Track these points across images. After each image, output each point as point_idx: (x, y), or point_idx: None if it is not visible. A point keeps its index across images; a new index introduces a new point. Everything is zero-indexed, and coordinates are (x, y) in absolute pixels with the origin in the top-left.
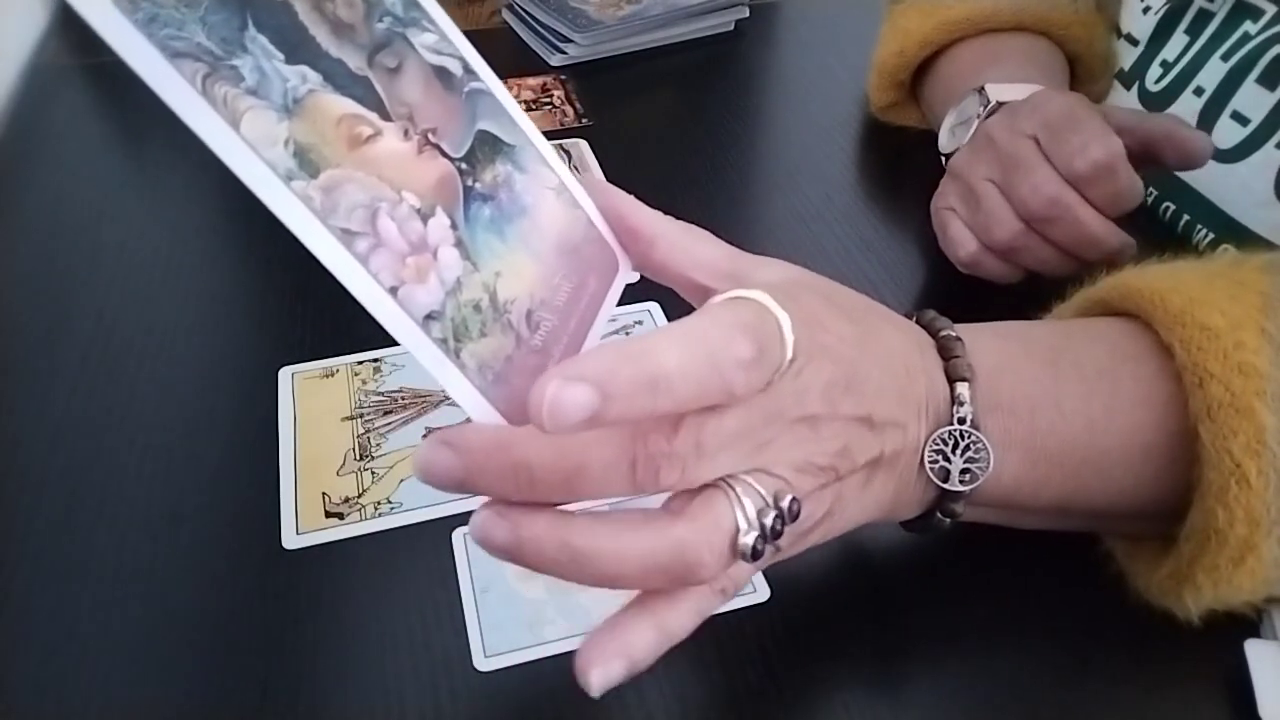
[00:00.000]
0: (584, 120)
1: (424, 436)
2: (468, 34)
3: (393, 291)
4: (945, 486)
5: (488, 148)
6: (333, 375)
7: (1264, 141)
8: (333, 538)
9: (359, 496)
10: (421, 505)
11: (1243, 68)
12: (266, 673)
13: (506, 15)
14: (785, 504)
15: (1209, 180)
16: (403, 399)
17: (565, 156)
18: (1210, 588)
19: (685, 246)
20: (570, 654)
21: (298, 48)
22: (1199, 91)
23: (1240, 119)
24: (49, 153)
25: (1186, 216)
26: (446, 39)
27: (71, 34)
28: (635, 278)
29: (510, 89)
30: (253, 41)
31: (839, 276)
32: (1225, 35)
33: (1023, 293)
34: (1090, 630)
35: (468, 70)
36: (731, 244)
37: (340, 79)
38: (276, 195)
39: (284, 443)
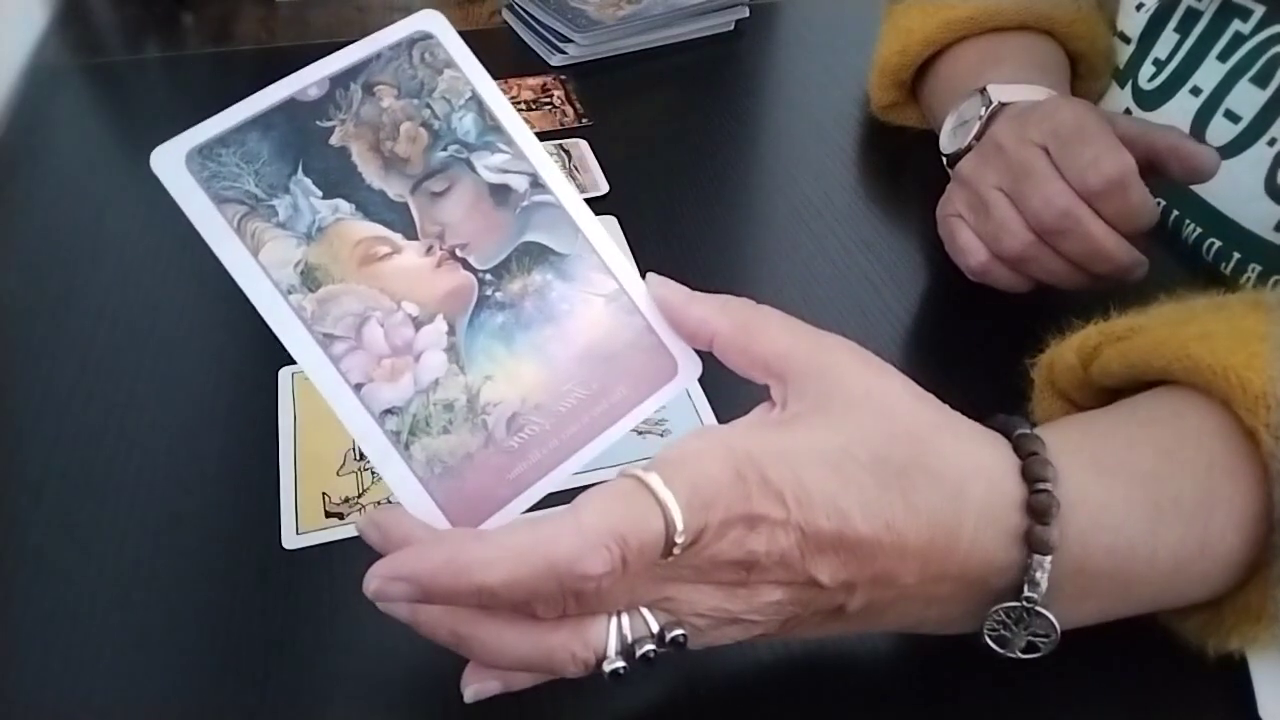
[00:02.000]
0: (584, 120)
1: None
2: (467, 34)
3: (357, 388)
4: (1002, 652)
5: (528, 258)
6: None
7: (1256, 139)
8: (333, 538)
9: (359, 496)
10: None
11: (1240, 68)
12: (266, 673)
13: (506, 15)
14: (671, 635)
15: None
16: None
17: (565, 156)
18: (1238, 644)
19: (741, 347)
20: None
21: (339, 184)
22: (1196, 91)
23: (1232, 116)
24: (49, 153)
25: (1176, 212)
26: (521, 158)
27: (71, 34)
28: (695, 377)
29: (509, 89)
30: (297, 184)
31: (839, 277)
32: (1216, 34)
33: (1024, 313)
34: (1089, 630)
35: (535, 185)
36: (731, 244)
37: (374, 207)
38: (271, 306)
39: (284, 443)
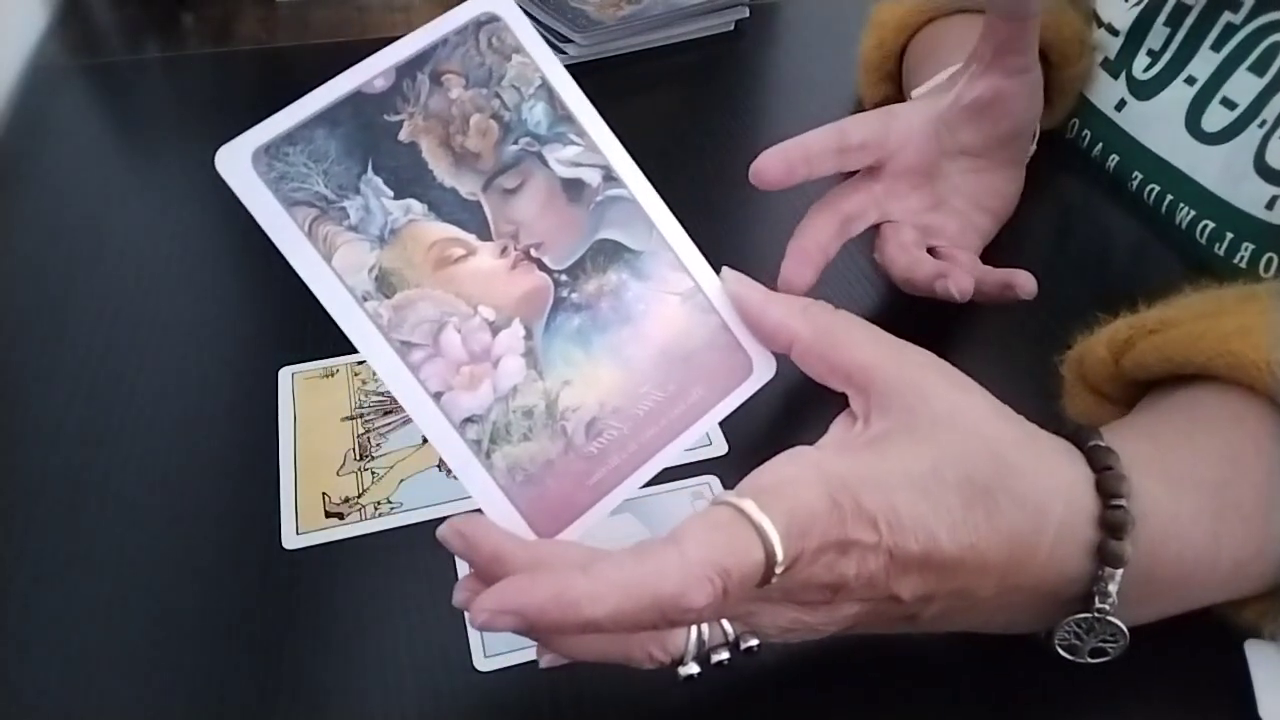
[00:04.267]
0: None
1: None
2: None
3: (436, 396)
4: (1071, 658)
5: (603, 257)
6: (333, 375)
7: (1249, 123)
8: (333, 538)
9: (359, 496)
10: (421, 505)
11: (1236, 57)
12: (266, 673)
13: None
14: (746, 645)
15: (1193, 160)
16: None
17: None
18: None
19: (822, 353)
20: None
21: (410, 183)
22: (1191, 80)
23: (1229, 104)
24: (49, 153)
25: (1170, 196)
26: (594, 150)
27: (71, 34)
28: (769, 376)
29: None
30: (367, 184)
31: (839, 277)
32: (1207, 26)
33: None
34: None
35: (608, 178)
36: (731, 244)
37: (447, 206)
38: (347, 313)
39: (284, 443)
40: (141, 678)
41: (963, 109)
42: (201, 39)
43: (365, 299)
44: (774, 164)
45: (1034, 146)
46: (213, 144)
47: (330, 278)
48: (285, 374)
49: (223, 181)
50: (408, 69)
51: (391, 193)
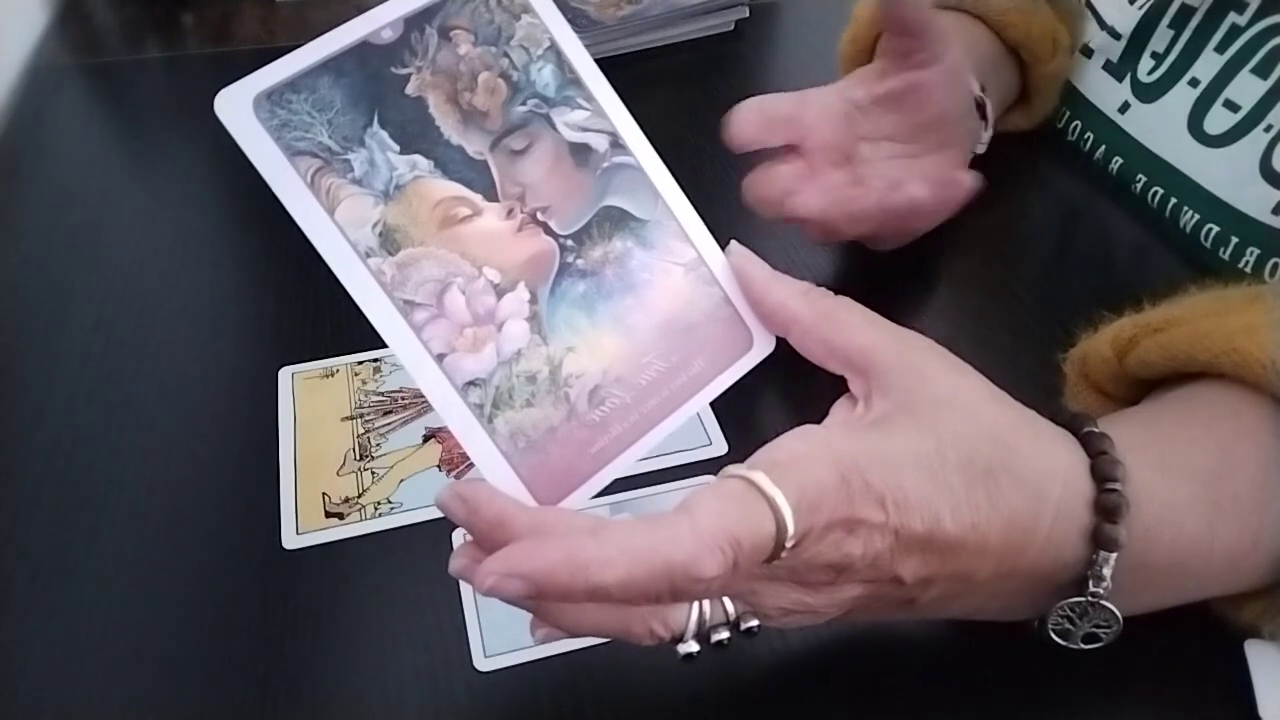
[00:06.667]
0: None
1: (426, 437)
2: None
3: (439, 358)
4: (1063, 644)
5: (608, 224)
6: (333, 375)
7: (1253, 127)
8: (333, 538)
9: (359, 496)
10: (421, 505)
11: (1239, 59)
12: (266, 673)
13: None
14: (746, 625)
15: (1196, 164)
16: (403, 399)
17: None
18: None
19: (822, 336)
20: (570, 654)
21: (417, 138)
22: (1194, 82)
23: (1231, 106)
24: (49, 153)
25: (1174, 200)
26: (601, 115)
27: (71, 34)
28: (769, 351)
29: None
30: (373, 136)
31: (838, 276)
32: (1212, 28)
33: (1027, 300)
34: None
35: (615, 145)
36: (733, 243)
37: (453, 165)
38: (349, 269)
39: (284, 443)
40: (141, 677)
41: (876, 101)
42: (201, 39)
43: (368, 255)
44: (751, 122)
45: (988, 134)
46: (213, 144)
47: (333, 231)
48: (285, 374)
49: (222, 182)
50: (416, 21)
51: (397, 147)
